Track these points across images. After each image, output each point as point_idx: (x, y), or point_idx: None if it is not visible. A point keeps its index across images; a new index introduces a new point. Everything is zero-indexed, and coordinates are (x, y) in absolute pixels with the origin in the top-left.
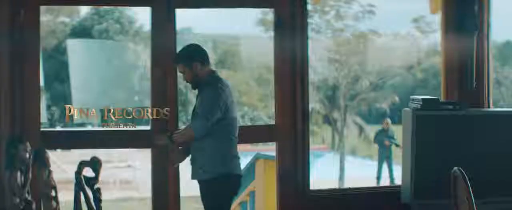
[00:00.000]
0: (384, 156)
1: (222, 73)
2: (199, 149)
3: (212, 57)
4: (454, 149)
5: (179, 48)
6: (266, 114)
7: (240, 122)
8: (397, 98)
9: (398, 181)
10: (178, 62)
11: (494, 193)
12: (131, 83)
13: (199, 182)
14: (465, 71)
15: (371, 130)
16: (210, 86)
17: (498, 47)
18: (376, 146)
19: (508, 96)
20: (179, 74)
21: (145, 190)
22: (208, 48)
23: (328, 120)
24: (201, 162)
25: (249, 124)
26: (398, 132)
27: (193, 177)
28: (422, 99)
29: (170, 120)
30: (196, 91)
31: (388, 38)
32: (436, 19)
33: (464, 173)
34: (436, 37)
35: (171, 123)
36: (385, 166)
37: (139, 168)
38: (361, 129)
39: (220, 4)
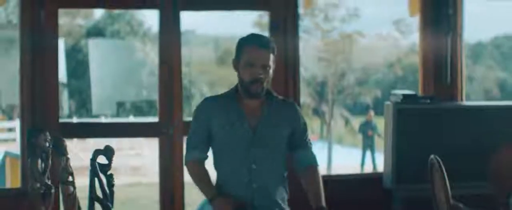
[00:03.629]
0: (367, 145)
1: (223, 70)
2: (280, 179)
3: (212, 56)
4: (431, 139)
5: (186, 48)
6: None
7: None
8: (379, 93)
9: (380, 168)
10: (271, 51)
11: (466, 178)
12: (140, 79)
13: None
14: (440, 68)
15: (356, 121)
16: (295, 105)
17: (470, 47)
18: (360, 136)
19: (479, 91)
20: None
21: (153, 176)
22: (209, 48)
23: (317, 112)
24: (282, 195)
25: None
26: (380, 123)
27: None
28: (402, 94)
29: (175, 113)
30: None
31: (371, 38)
32: (415, 21)
33: (440, 161)
34: (414, 37)
35: (176, 116)
36: (368, 154)
37: (147, 156)
38: (347, 121)
39: (221, 7)
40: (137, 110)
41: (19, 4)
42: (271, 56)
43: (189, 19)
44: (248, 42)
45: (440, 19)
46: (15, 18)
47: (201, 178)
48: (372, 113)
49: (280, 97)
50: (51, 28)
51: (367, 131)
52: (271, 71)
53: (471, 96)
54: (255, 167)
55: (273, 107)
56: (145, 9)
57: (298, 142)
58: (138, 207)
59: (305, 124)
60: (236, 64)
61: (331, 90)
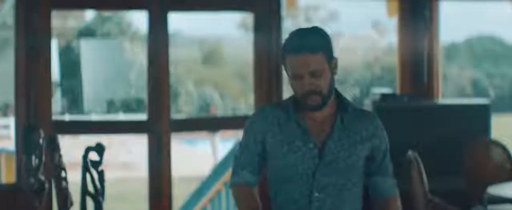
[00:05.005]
0: None
1: (208, 70)
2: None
3: (198, 56)
4: (409, 135)
5: (174, 48)
6: (245, 105)
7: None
8: (357, 92)
9: None
10: (318, 51)
11: (442, 173)
12: (129, 78)
13: None
14: (418, 67)
15: None
16: (377, 118)
17: (444, 48)
18: None
19: (453, 90)
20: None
21: (142, 171)
22: (194, 48)
23: None
24: None
25: (230, 114)
26: None
27: None
28: (381, 93)
29: (164, 110)
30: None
31: (350, 39)
32: (392, 23)
33: (418, 157)
34: (391, 38)
35: (164, 113)
36: None
37: (136, 152)
38: None
39: (207, 8)
40: (126, 107)
41: (14, 6)
42: (321, 57)
43: (175, 21)
44: (286, 50)
45: (417, 20)
46: (10, 20)
47: (248, 206)
48: None
49: (357, 107)
50: (44, 30)
51: None
52: (329, 75)
53: (446, 94)
54: (318, 195)
55: (347, 119)
56: (134, 10)
57: (377, 166)
58: (128, 201)
59: (387, 144)
60: (288, 76)
61: None
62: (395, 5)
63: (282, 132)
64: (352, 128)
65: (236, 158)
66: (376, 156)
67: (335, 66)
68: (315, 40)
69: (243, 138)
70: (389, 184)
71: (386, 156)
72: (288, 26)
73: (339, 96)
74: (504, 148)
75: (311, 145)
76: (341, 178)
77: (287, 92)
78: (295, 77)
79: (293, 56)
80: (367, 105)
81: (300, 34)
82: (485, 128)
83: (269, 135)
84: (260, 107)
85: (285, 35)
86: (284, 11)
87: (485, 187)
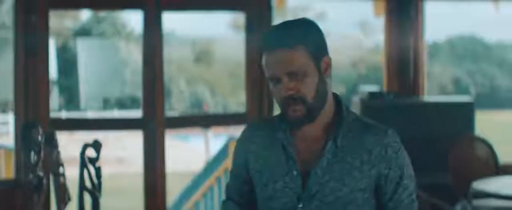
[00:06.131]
0: None
1: (199, 68)
2: None
3: (191, 56)
4: (396, 132)
5: (167, 48)
6: (236, 103)
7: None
8: (343, 90)
9: None
10: (294, 45)
11: (428, 168)
12: (124, 76)
13: None
14: (404, 66)
15: None
16: (395, 135)
17: (428, 47)
18: None
19: (436, 87)
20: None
21: (136, 166)
22: (186, 48)
23: None
24: None
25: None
26: None
27: None
28: (369, 91)
29: (158, 108)
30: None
31: (337, 39)
32: (378, 23)
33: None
34: (377, 38)
35: (159, 110)
36: None
37: (130, 148)
38: None
39: (200, 7)
40: (121, 104)
41: (13, 7)
42: (302, 54)
43: (168, 21)
44: (263, 46)
45: (403, 20)
46: (8, 21)
47: None
48: None
49: (363, 119)
50: (42, 29)
51: None
52: (316, 77)
53: (429, 92)
54: None
55: (343, 138)
56: (130, 10)
57: (387, 201)
58: (122, 196)
59: (403, 168)
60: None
61: None
62: (382, 5)
63: (264, 156)
64: (349, 149)
65: (226, 185)
66: (385, 187)
67: (327, 67)
68: (295, 33)
69: (232, 163)
70: None
71: (401, 186)
72: None
73: (339, 105)
74: (488, 144)
75: (295, 173)
76: None
77: None
78: (271, 80)
79: (268, 53)
80: (355, 102)
81: (278, 27)
82: (470, 124)
83: (251, 159)
84: (250, 123)
85: None
86: (273, 11)
87: (470, 182)
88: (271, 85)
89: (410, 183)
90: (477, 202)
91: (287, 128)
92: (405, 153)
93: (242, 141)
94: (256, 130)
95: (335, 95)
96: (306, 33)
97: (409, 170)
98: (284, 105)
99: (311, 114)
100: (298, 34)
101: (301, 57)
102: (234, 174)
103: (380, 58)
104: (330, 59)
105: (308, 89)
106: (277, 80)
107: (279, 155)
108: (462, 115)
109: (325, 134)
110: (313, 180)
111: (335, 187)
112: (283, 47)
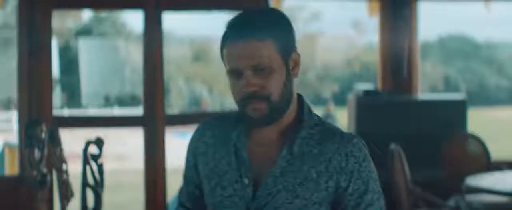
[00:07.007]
0: None
1: (197, 67)
2: None
3: (188, 54)
4: (391, 129)
5: (166, 47)
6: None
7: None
8: (337, 88)
9: None
10: (261, 36)
11: (422, 164)
12: (124, 75)
13: None
14: (398, 64)
15: (317, 113)
16: (361, 144)
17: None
18: None
19: (428, 85)
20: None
21: (136, 163)
22: (185, 47)
23: None
24: None
25: (219, 108)
26: (340, 114)
27: None
28: (364, 89)
29: (158, 106)
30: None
31: (331, 38)
32: (372, 22)
33: (400, 149)
34: (371, 37)
35: (159, 108)
36: None
37: (131, 145)
38: None
39: (199, 8)
40: (121, 102)
41: (17, 6)
42: (270, 47)
43: (167, 21)
44: (226, 37)
45: (397, 19)
46: (12, 20)
47: None
48: (331, 105)
49: (326, 124)
50: (45, 29)
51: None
52: (284, 75)
53: (421, 90)
54: None
55: (300, 144)
56: (130, 10)
57: None
58: (123, 191)
59: (368, 182)
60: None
61: (295, 85)
62: (376, 5)
63: (215, 159)
64: (306, 157)
65: (179, 190)
66: (344, 202)
67: (296, 64)
68: (264, 24)
69: (184, 163)
70: None
71: (363, 202)
72: None
73: (301, 107)
74: (480, 141)
75: (246, 181)
76: None
77: None
78: (232, 74)
79: (232, 44)
80: (351, 100)
81: (245, 15)
82: (462, 122)
83: (200, 161)
84: (204, 121)
85: None
86: None
87: (463, 178)
88: (230, 81)
89: (375, 200)
90: (470, 197)
91: (243, 129)
92: (371, 166)
93: (193, 141)
94: (210, 129)
95: (298, 96)
96: (276, 25)
97: (375, 185)
98: (243, 102)
99: (273, 114)
100: (267, 26)
101: (269, 51)
102: (186, 177)
103: (374, 57)
104: (299, 56)
105: (274, 87)
106: (238, 74)
107: (231, 159)
108: (455, 112)
109: (283, 137)
110: (264, 190)
111: (286, 199)
112: (250, 38)
